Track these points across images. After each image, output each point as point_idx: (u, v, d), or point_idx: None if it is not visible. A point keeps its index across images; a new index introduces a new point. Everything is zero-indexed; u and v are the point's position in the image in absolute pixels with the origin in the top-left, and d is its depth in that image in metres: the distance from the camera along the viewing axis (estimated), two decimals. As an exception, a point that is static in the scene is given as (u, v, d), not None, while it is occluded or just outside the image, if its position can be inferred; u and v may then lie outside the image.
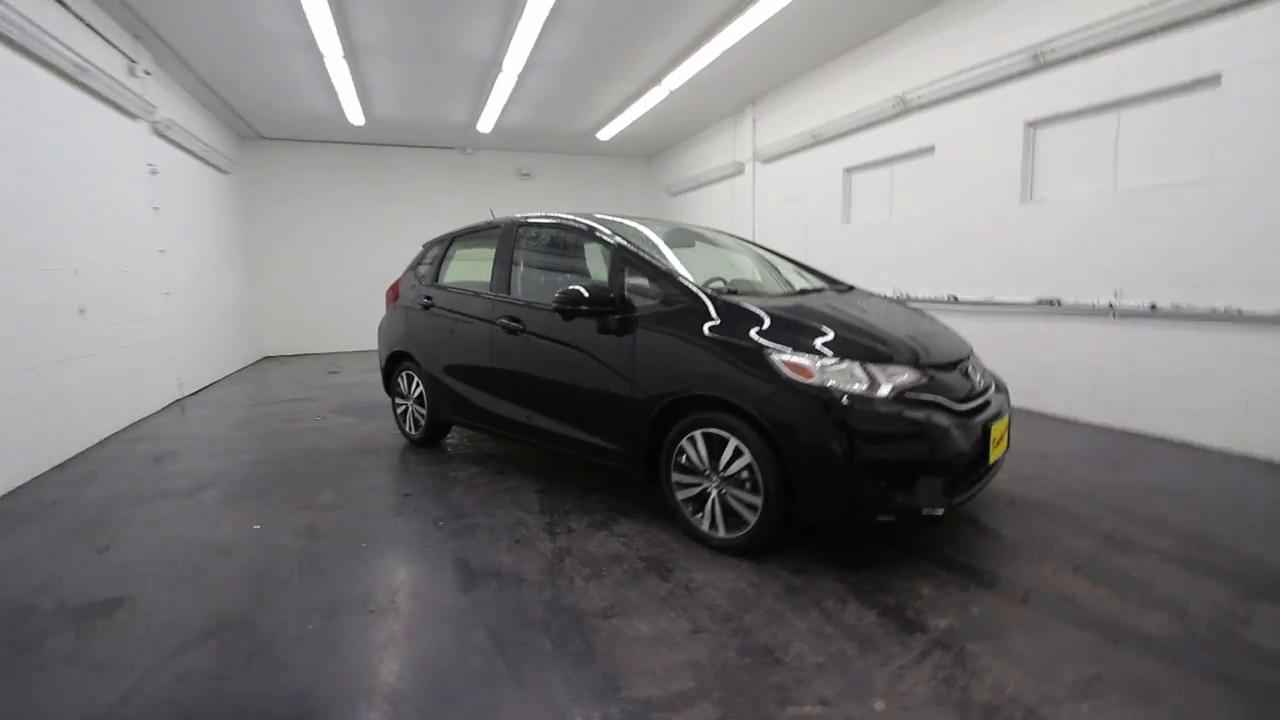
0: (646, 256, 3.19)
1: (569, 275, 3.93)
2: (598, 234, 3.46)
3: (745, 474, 2.65)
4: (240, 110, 8.74)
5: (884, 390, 2.49)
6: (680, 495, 2.93)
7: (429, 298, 4.47)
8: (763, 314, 2.77)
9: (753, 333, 2.71)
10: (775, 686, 1.90)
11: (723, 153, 9.87)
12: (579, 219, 3.68)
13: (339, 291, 10.84)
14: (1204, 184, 4.09)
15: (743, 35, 6.20)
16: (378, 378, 5.32)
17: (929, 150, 6.14)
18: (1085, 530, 2.97)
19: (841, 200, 7.40)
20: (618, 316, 3.12)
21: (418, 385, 4.54)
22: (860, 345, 2.63)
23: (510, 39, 6.27)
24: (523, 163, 11.89)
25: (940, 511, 2.48)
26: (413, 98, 8.42)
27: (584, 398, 3.32)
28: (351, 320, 10.74)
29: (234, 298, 9.21)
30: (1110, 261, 4.62)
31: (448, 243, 4.62)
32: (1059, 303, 4.98)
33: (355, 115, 8.89)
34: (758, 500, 2.63)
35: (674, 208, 11.77)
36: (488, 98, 8.32)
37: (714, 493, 2.79)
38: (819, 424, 2.45)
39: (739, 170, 9.43)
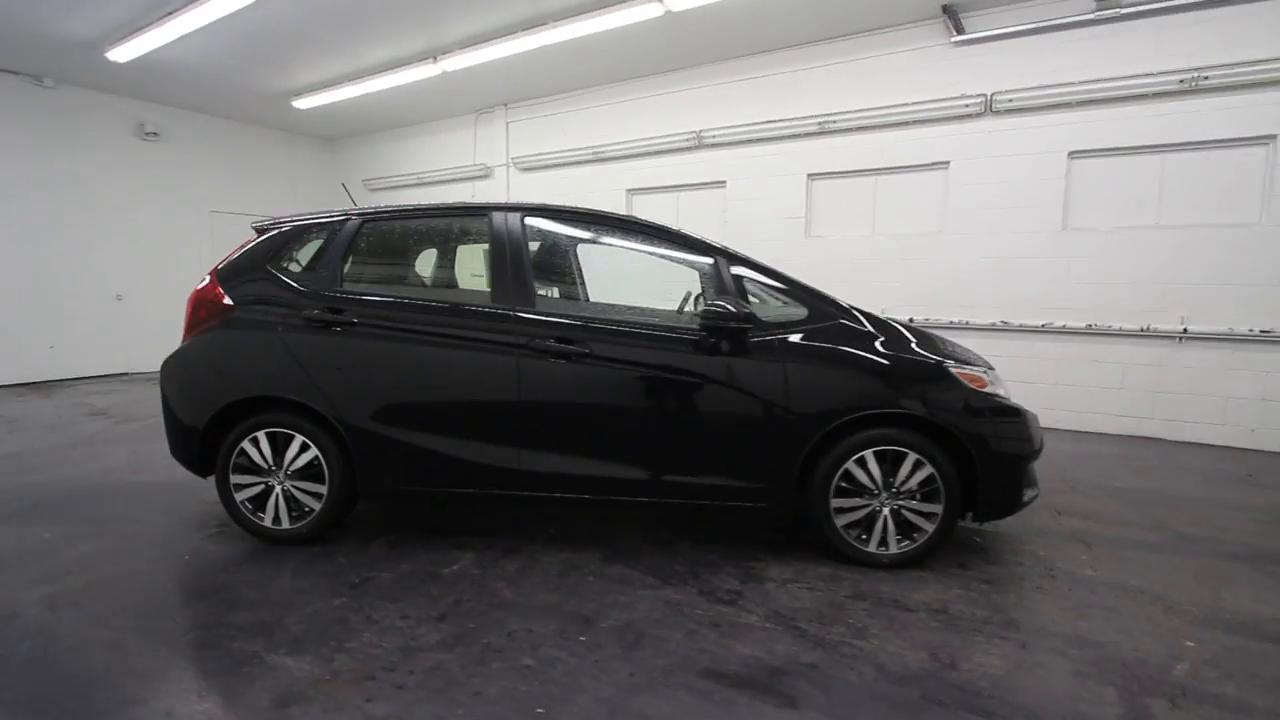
0: (772, 268, 2.91)
1: (614, 285, 3.18)
2: (686, 239, 2.96)
3: (921, 486, 2.75)
4: None
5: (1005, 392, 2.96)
6: (841, 521, 2.80)
7: (336, 310, 2.91)
8: (906, 330, 2.90)
9: (916, 347, 2.82)
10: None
11: (461, 152, 8.99)
12: (620, 215, 3.06)
13: None
14: (938, 235, 5.98)
15: (519, 51, 6.12)
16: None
17: (721, 184, 7.03)
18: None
19: (624, 219, 7.72)
20: (758, 337, 2.76)
21: (306, 449, 2.90)
22: (975, 355, 3.03)
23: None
24: (148, 116, 8.27)
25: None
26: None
27: (706, 432, 2.80)
28: None
29: None
30: (871, 291, 6.20)
31: (349, 230, 3.07)
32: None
33: None
34: (938, 509, 2.76)
35: (375, 204, 10.03)
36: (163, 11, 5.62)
37: (885, 510, 2.78)
38: (1003, 428, 2.75)
39: (485, 174, 8.76)
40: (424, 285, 3.25)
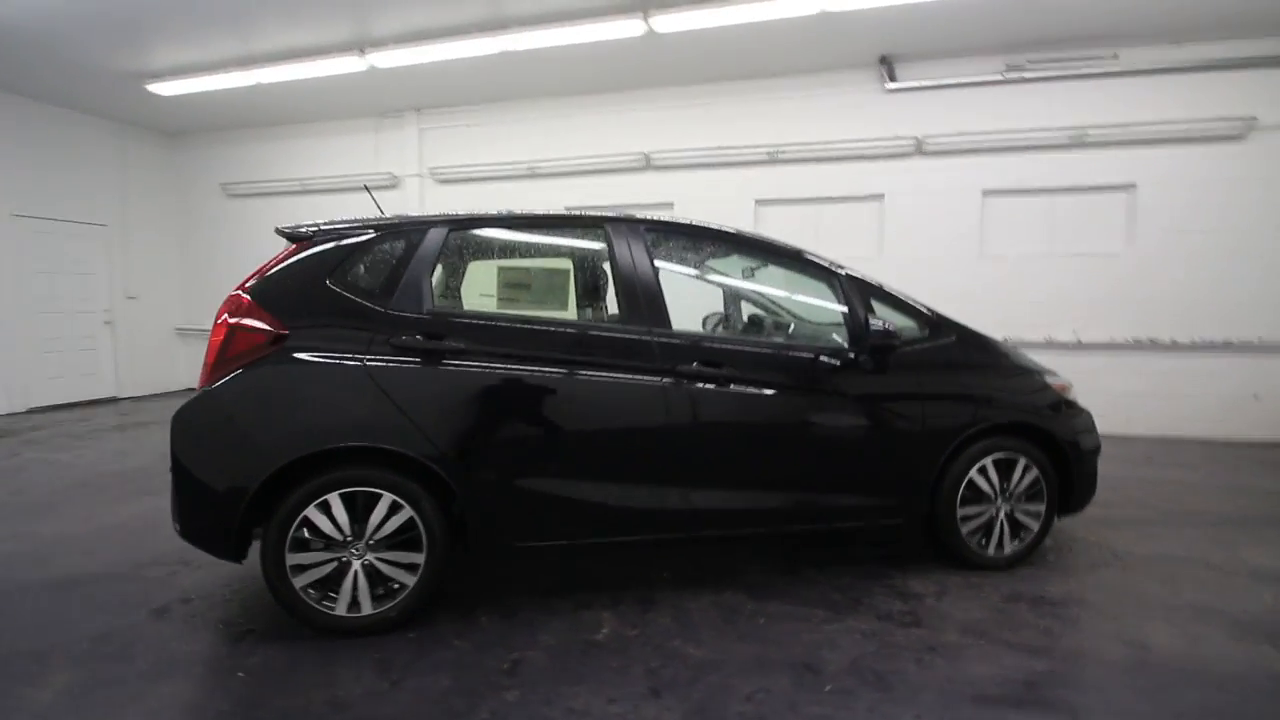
0: (888, 287, 2.95)
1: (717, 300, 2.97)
2: (807, 257, 2.90)
3: (1028, 489, 2.95)
4: None
5: None
6: (965, 529, 2.90)
7: (436, 334, 2.38)
8: (1001, 343, 3.12)
9: (1014, 360, 3.04)
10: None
11: (359, 158, 8.01)
12: (743, 232, 2.95)
13: None
14: (875, 260, 6.56)
15: (473, 55, 5.78)
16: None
17: (669, 205, 7.05)
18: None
19: (562, 238, 7.41)
20: (899, 356, 2.78)
21: (396, 511, 2.32)
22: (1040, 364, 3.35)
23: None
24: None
25: None
26: None
27: (851, 452, 2.74)
28: None
29: None
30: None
31: (434, 239, 2.52)
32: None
33: None
34: (1041, 508, 2.98)
35: (236, 214, 8.55)
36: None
37: (1001, 514, 2.94)
38: (1085, 428, 3.06)
39: (391, 184, 7.88)
40: (520, 305, 2.80)
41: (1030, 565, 3.00)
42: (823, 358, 2.73)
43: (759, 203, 6.82)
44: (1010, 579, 2.87)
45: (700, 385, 2.55)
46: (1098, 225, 6.03)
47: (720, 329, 3.48)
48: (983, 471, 2.88)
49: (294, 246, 2.49)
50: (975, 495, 2.88)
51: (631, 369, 2.51)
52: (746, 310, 3.59)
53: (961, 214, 6.29)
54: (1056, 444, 2.95)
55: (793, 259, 2.95)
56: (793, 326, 3.27)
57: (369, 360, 2.32)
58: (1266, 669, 2.16)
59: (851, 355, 2.75)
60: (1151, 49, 5.67)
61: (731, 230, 2.94)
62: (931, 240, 6.37)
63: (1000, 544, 2.94)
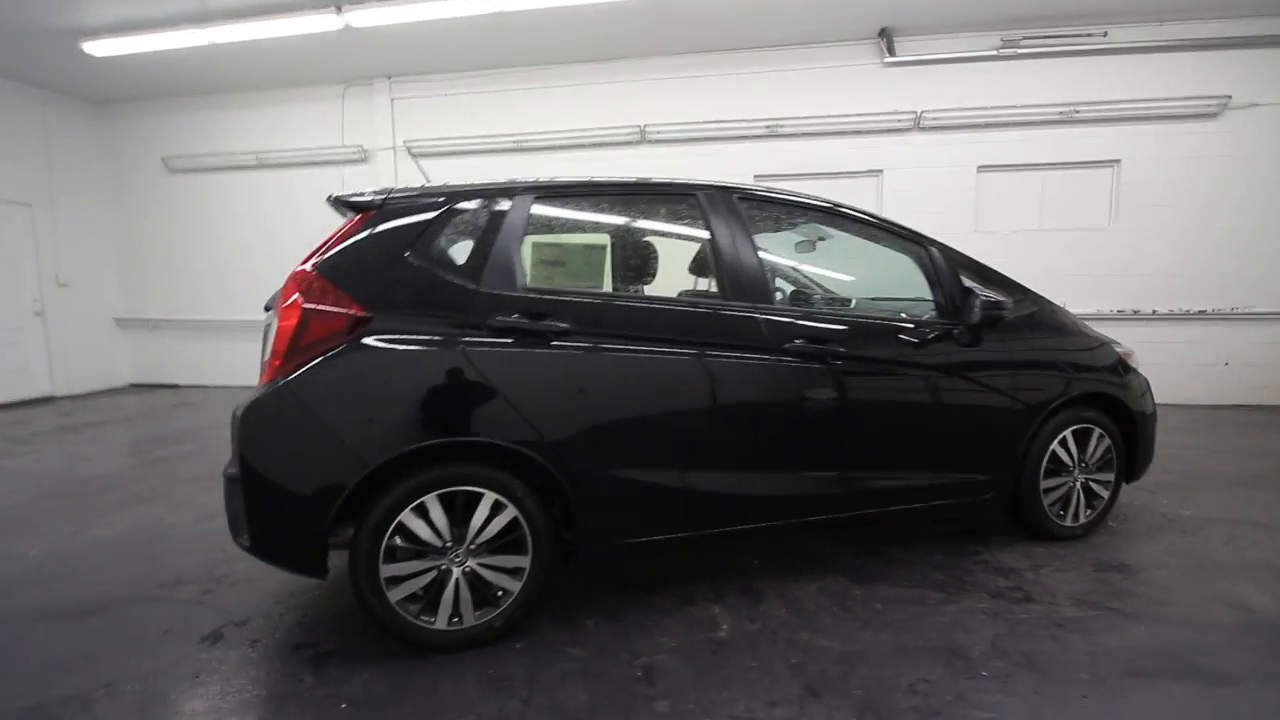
0: (977, 260, 2.89)
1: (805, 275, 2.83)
2: (898, 227, 2.80)
3: (1100, 459, 2.99)
4: None
5: None
6: (1047, 500, 2.91)
7: (537, 314, 2.14)
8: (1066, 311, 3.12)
9: (1086, 330, 3.05)
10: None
11: (324, 130, 7.40)
12: (823, 201, 2.80)
13: None
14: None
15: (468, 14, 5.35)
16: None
17: (665, 182, 6.83)
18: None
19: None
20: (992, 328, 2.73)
21: (499, 510, 2.09)
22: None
23: None
24: None
25: None
26: None
27: (952, 428, 2.69)
28: None
29: None
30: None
31: (520, 208, 2.26)
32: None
33: None
34: (1110, 477, 3.02)
35: (180, 191, 7.77)
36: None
37: (1078, 485, 2.96)
38: (1149, 397, 3.11)
39: (360, 157, 7.33)
40: (607, 280, 2.57)
41: (1099, 533, 3.06)
42: (923, 330, 2.66)
43: (758, 178, 6.69)
44: (1088, 548, 2.90)
45: (807, 364, 2.42)
46: (1084, 201, 6.25)
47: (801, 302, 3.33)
48: (1063, 443, 2.89)
49: (357, 217, 2.18)
50: (1056, 467, 2.89)
51: (742, 348, 2.35)
52: (824, 283, 3.48)
53: (958, 190, 6.38)
54: (1127, 412, 3.00)
55: (880, 229, 2.84)
56: (883, 300, 3.18)
57: (466, 345, 2.06)
58: (1365, 621, 2.25)
59: (950, 328, 2.68)
60: (1138, 27, 5.86)
61: (823, 201, 2.81)
62: (929, 216, 6.35)
63: (1076, 514, 2.97)
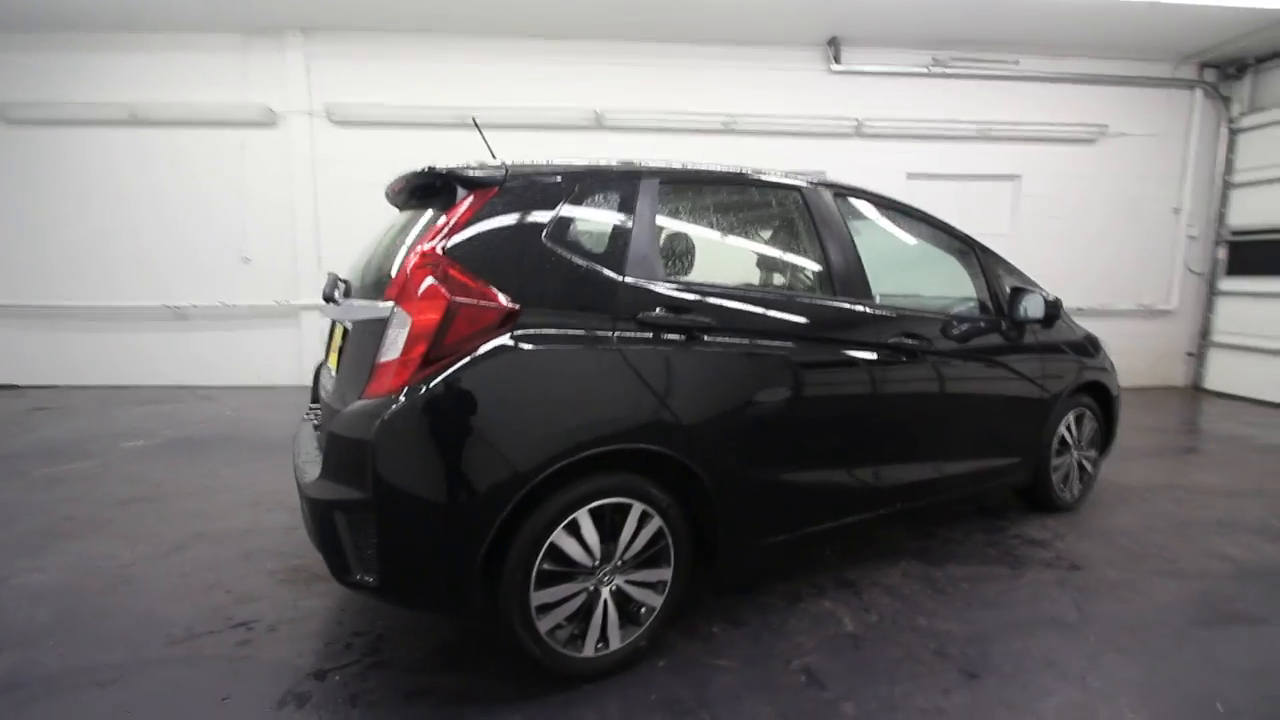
0: (1007, 260, 3.13)
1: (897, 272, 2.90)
2: (951, 229, 2.98)
3: (1090, 438, 3.41)
4: None
5: None
6: (1054, 477, 3.26)
7: (682, 309, 2.00)
8: None
9: (1077, 324, 3.45)
10: None
11: (219, 84, 6.35)
12: (900, 200, 2.93)
13: None
14: (817, 234, 6.94)
15: None
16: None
17: (619, 170, 6.68)
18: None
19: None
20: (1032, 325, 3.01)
21: (645, 522, 1.95)
22: None
23: None
24: None
25: None
26: None
27: (1001, 416, 2.93)
28: None
29: None
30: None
31: (650, 192, 2.08)
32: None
33: None
34: (1096, 454, 3.47)
35: (20, 148, 6.30)
36: None
37: (1074, 462, 3.35)
38: (1115, 377, 3.58)
39: (266, 121, 6.41)
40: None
41: (1085, 504, 3.49)
42: (985, 324, 2.86)
43: (710, 172, 6.79)
44: (1085, 517, 3.31)
45: (903, 358, 2.51)
46: (993, 209, 7.04)
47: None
48: (1067, 426, 3.26)
49: (473, 195, 1.88)
50: (1062, 447, 3.26)
51: (855, 343, 2.38)
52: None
53: (890, 194, 6.89)
54: (1108, 395, 3.45)
55: (942, 230, 3.01)
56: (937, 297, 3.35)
57: (622, 342, 1.87)
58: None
59: (998, 323, 2.91)
60: (1042, 59, 6.69)
61: (901, 200, 2.91)
62: (865, 217, 6.91)
63: (1072, 489, 3.37)
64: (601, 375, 1.85)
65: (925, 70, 6.67)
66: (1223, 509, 3.45)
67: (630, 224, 2.02)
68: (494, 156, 2.27)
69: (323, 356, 2.65)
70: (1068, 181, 6.96)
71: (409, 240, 1.95)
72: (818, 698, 1.88)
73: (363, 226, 6.47)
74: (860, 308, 2.41)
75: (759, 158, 6.71)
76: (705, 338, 2.03)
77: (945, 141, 6.82)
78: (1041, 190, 6.99)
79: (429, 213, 2.04)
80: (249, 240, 6.57)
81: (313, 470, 1.87)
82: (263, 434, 4.82)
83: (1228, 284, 6.99)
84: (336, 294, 2.29)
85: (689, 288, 2.07)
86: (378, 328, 1.78)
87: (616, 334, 1.89)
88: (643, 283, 1.98)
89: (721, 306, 2.10)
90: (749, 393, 2.12)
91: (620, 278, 1.95)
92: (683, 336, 2.00)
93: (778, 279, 2.70)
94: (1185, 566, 2.75)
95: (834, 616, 2.33)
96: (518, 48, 6.44)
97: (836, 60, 6.58)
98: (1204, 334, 7.27)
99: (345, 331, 2.15)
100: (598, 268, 1.93)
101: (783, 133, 6.72)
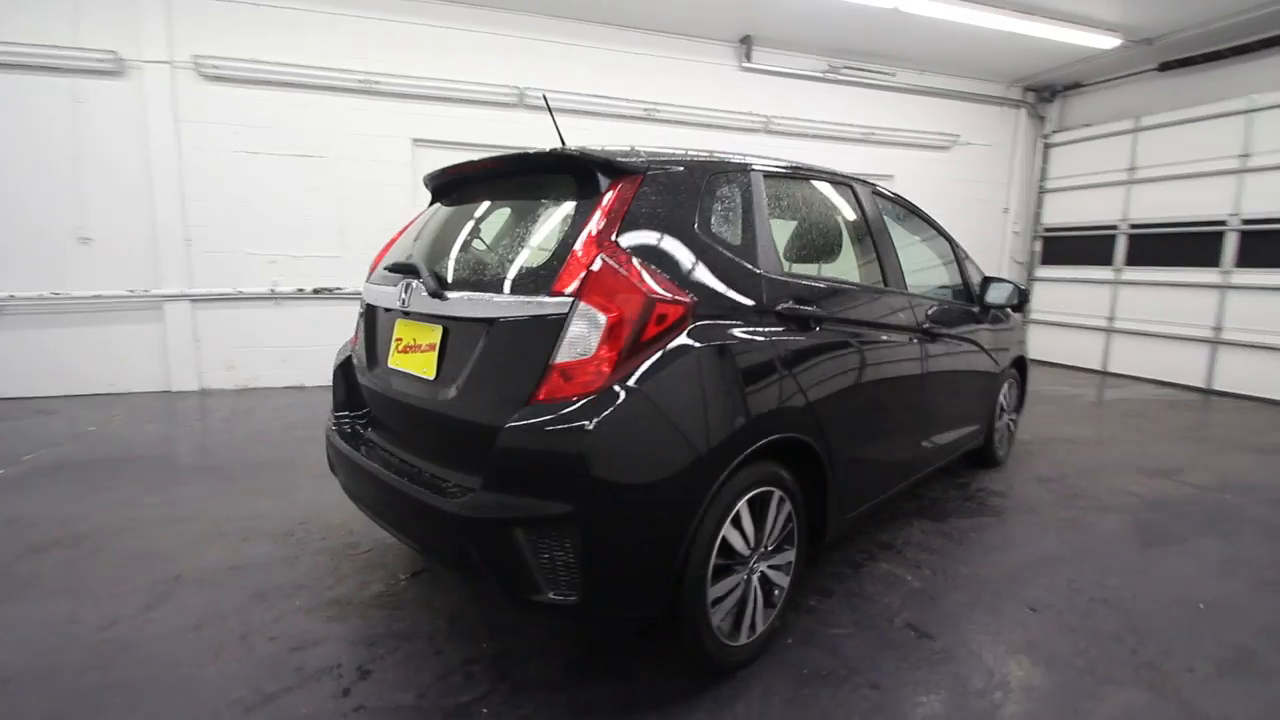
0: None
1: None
2: (938, 227, 3.36)
3: (1015, 402, 4.10)
4: None
5: None
6: (994, 438, 3.86)
7: (805, 300, 2.11)
8: None
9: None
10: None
11: (40, 19, 5.05)
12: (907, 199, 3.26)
13: None
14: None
15: None
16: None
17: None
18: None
19: (410, 177, 6.06)
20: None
21: (781, 506, 2.03)
22: None
23: None
24: None
25: None
26: None
27: (967, 391, 3.40)
28: None
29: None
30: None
31: (759, 183, 2.15)
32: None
33: None
34: (1017, 416, 4.17)
35: None
36: None
37: (1006, 423, 4.00)
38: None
39: (113, 69, 5.26)
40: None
41: (1011, 457, 4.18)
42: (968, 308, 3.31)
43: (632, 159, 6.82)
44: (1015, 469, 3.98)
45: (933, 342, 2.84)
46: (874, 205, 7.92)
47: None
48: (1003, 394, 3.88)
49: (622, 184, 1.79)
50: (1000, 412, 3.87)
51: (909, 328, 2.67)
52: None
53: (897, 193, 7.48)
54: (1023, 362, 4.15)
55: (933, 227, 3.39)
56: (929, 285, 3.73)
57: (773, 334, 1.92)
58: (1182, 487, 3.64)
59: (972, 308, 3.38)
60: (914, 73, 7.63)
61: (905, 197, 3.22)
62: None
63: (1004, 446, 4.03)
64: (763, 367, 1.88)
65: (822, 75, 7.28)
66: (1104, 454, 4.34)
67: (754, 217, 2.06)
68: (563, 141, 2.17)
69: (362, 355, 2.32)
70: (927, 183, 8.03)
71: (545, 230, 1.82)
72: (933, 648, 2.11)
73: (242, 202, 5.69)
74: (905, 296, 2.70)
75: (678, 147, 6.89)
76: (818, 327, 2.15)
77: (837, 142, 7.53)
78: (910, 190, 7.92)
79: (546, 200, 1.91)
80: (89, 215, 5.33)
81: (415, 485, 1.76)
82: (165, 451, 4.02)
83: (1042, 271, 8.60)
84: (415, 286, 2.01)
85: (806, 280, 2.16)
86: (536, 326, 1.64)
87: (766, 326, 1.93)
88: (772, 274, 2.03)
89: (831, 297, 2.24)
90: (851, 376, 2.28)
91: (758, 270, 1.98)
92: (815, 326, 2.11)
93: (848, 270, 2.89)
94: (1109, 503, 3.45)
95: (897, 576, 2.60)
96: (432, 10, 5.90)
97: (748, 58, 6.94)
98: (1025, 314, 8.90)
99: (443, 329, 1.92)
100: (740, 260, 1.95)
101: (700, 124, 6.94)
